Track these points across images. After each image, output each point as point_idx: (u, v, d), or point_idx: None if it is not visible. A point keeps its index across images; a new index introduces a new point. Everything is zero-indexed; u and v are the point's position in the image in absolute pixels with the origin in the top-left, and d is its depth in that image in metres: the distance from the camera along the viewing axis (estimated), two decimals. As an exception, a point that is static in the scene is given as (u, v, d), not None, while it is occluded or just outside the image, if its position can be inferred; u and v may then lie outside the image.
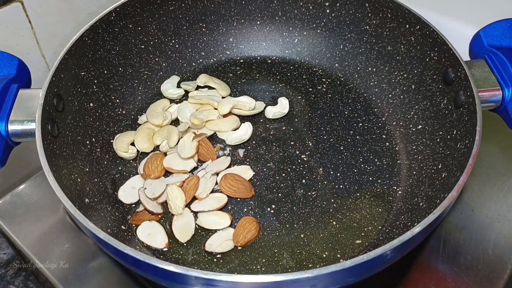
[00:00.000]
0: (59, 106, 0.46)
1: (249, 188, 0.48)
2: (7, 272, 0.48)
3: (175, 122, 0.55)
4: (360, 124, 0.54)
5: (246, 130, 0.53)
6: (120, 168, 0.51)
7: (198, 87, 0.58)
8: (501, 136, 0.56)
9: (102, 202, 0.46)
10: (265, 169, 0.50)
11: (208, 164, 0.50)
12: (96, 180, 0.48)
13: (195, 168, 0.50)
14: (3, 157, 0.43)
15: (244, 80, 0.59)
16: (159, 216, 0.47)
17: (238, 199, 0.48)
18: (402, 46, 0.54)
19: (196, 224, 0.46)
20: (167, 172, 0.50)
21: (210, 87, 0.57)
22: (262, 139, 0.53)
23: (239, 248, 0.45)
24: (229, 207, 0.48)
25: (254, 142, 0.53)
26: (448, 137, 0.47)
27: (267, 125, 0.55)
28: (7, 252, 0.49)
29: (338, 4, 0.57)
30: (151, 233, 0.45)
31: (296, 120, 0.55)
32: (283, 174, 0.50)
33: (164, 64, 0.59)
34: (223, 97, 0.56)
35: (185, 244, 0.45)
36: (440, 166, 0.46)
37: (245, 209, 0.47)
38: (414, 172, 0.49)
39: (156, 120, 0.53)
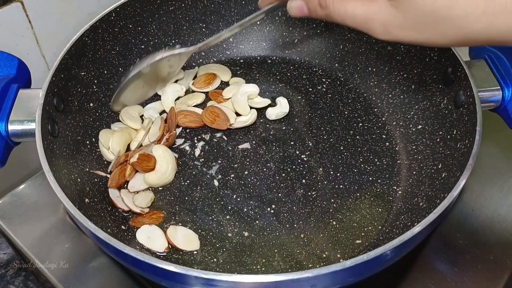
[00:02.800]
0: (59, 106, 0.46)
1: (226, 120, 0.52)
2: (7, 272, 0.48)
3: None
4: (360, 124, 0.54)
5: (250, 115, 0.54)
6: (120, 168, 0.51)
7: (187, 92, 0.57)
8: (501, 136, 0.56)
9: (102, 202, 0.46)
10: (265, 169, 0.50)
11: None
12: (96, 180, 0.48)
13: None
14: (3, 157, 0.43)
15: (244, 80, 0.59)
16: (160, 219, 0.46)
17: (239, 199, 0.48)
18: (402, 46, 0.54)
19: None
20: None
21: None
22: (262, 139, 0.53)
23: (236, 247, 0.44)
24: (228, 207, 0.47)
25: (254, 142, 0.53)
26: (448, 137, 0.47)
27: (267, 125, 0.55)
28: (7, 252, 0.49)
29: (338, 4, 0.57)
30: (150, 237, 0.45)
31: (296, 120, 0.55)
32: (283, 174, 0.50)
33: (164, 64, 0.59)
34: (225, 82, 0.58)
35: (185, 244, 0.45)
36: (440, 166, 0.46)
37: (245, 209, 0.47)
38: (414, 172, 0.49)
39: (134, 124, 0.52)
